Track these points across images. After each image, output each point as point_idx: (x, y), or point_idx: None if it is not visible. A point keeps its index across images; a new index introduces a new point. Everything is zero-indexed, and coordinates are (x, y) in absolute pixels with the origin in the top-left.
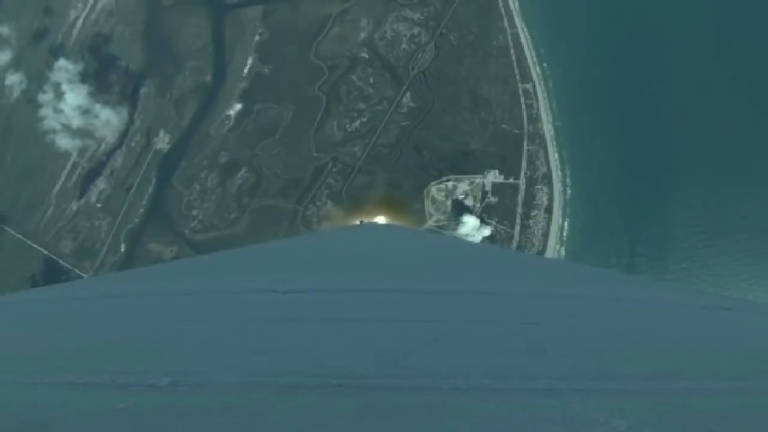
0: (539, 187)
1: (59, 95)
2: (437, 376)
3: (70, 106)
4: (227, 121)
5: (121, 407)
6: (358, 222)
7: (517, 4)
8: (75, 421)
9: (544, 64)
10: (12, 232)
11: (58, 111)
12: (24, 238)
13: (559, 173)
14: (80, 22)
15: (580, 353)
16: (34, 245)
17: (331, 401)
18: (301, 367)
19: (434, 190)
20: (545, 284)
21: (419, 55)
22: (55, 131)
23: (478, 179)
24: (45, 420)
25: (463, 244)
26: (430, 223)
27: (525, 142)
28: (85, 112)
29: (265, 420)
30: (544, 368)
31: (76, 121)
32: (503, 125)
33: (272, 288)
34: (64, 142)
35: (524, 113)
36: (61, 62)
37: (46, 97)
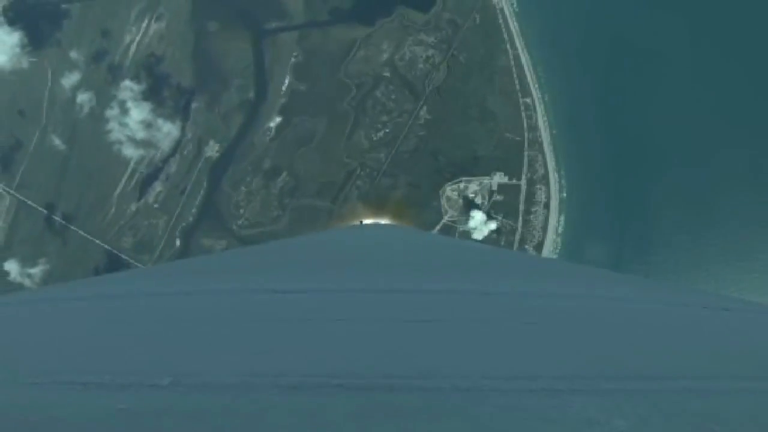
0: (538, 186)
1: (125, 111)
2: (437, 376)
3: (135, 120)
4: (269, 132)
5: (121, 407)
6: (358, 222)
7: (518, 29)
8: (75, 421)
9: (542, 81)
10: (77, 230)
11: (123, 124)
12: (88, 235)
13: (556, 175)
14: (135, 45)
15: (580, 353)
16: (97, 241)
17: (331, 401)
18: (301, 367)
19: (448, 190)
20: (545, 284)
21: (434, 74)
22: (120, 142)
23: (486, 180)
24: (45, 420)
25: (463, 243)
26: (446, 218)
27: (525, 148)
28: (149, 125)
29: (265, 420)
30: (544, 368)
31: (140, 134)
32: (507, 134)
33: (272, 288)
34: (129, 151)
35: (525, 123)
36: (126, 83)
37: (112, 112)
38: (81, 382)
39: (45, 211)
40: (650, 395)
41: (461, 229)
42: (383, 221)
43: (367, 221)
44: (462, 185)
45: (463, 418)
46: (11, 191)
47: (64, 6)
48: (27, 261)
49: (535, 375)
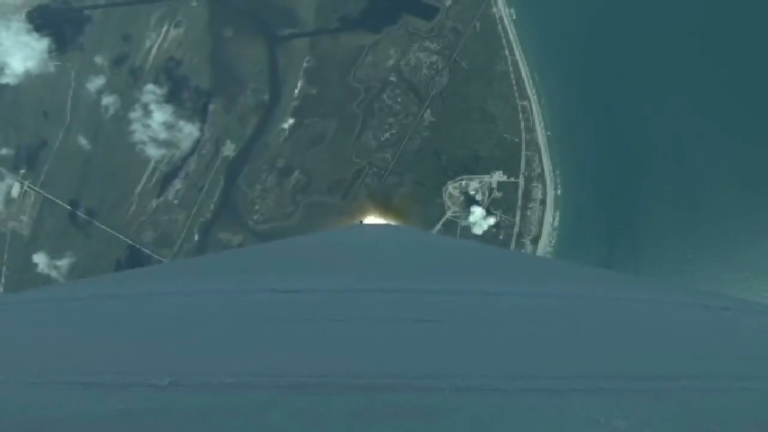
0: (535, 184)
1: (148, 113)
2: (437, 376)
3: (157, 122)
4: (282, 133)
5: (121, 407)
6: (358, 222)
7: (516, 36)
8: (75, 421)
9: (538, 85)
10: (100, 225)
11: (146, 126)
12: (110, 230)
13: (551, 173)
14: (154, 49)
15: (580, 353)
16: (120, 236)
17: (331, 401)
18: (301, 367)
19: (451, 187)
20: (545, 284)
21: (437, 79)
22: (143, 142)
23: (486, 178)
24: (45, 420)
25: (463, 243)
26: (448, 214)
27: (523, 148)
28: (170, 127)
29: (265, 420)
30: (544, 368)
31: (163, 135)
32: (505, 135)
33: (272, 288)
34: (151, 151)
35: (522, 125)
36: (149, 86)
37: (136, 114)
38: (81, 382)
39: (69, 207)
40: (650, 395)
41: (462, 224)
42: (383, 221)
43: (367, 221)
44: (463, 183)
45: (463, 418)
46: (36, 188)
47: (86, 12)
48: (54, 254)
49: (535, 375)
